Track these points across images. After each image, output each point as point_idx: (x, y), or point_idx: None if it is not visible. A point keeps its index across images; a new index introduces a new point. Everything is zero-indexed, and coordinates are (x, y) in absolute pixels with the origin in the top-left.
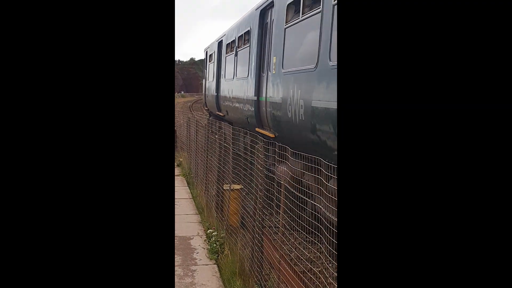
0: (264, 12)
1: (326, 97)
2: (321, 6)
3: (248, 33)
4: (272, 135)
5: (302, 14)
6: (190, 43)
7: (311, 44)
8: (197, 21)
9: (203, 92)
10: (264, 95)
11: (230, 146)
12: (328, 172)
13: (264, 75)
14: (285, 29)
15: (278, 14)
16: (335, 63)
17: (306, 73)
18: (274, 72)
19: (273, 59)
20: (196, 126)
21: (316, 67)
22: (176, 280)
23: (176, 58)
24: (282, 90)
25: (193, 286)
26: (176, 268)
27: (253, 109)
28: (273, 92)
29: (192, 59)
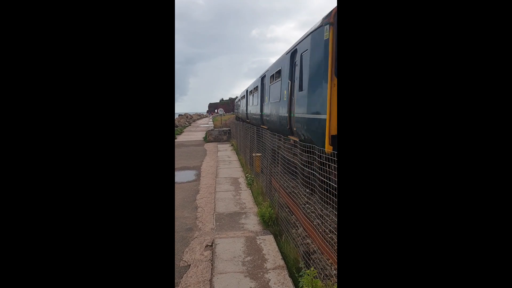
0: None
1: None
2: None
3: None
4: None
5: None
6: (231, 92)
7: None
8: (236, 80)
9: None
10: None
11: (254, 136)
12: (301, 148)
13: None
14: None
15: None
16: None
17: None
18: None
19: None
20: (240, 128)
21: None
22: (231, 197)
23: (223, 97)
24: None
25: (240, 199)
26: (231, 191)
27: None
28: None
29: (230, 98)
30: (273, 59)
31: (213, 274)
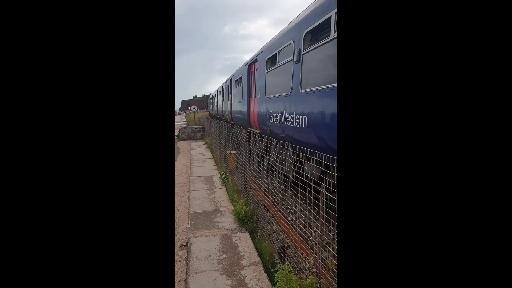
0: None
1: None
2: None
3: (241, 78)
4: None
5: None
6: (205, 89)
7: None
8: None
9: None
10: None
11: (229, 133)
12: (275, 144)
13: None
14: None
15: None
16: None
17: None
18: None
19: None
20: (215, 125)
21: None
22: (205, 195)
23: (196, 94)
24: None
25: (215, 198)
26: (206, 190)
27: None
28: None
29: (204, 95)
30: (247, 57)
31: (188, 273)
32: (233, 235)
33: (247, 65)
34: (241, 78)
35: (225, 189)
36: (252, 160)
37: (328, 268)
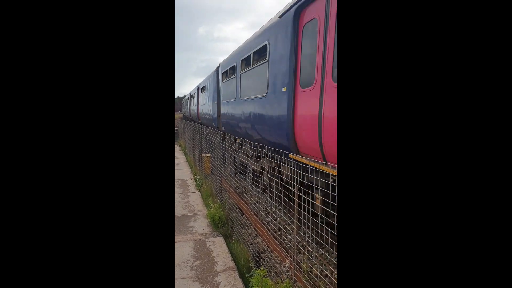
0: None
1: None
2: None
3: (204, 87)
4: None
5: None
6: (180, 90)
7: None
8: (185, 78)
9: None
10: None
11: (204, 135)
12: (250, 147)
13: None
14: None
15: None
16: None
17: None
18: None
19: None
20: (189, 127)
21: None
22: (179, 199)
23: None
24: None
25: (189, 202)
26: (179, 194)
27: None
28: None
29: (178, 97)
30: (221, 58)
31: None
32: (207, 240)
33: (197, 87)
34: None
35: (199, 192)
36: (228, 163)
37: (304, 271)
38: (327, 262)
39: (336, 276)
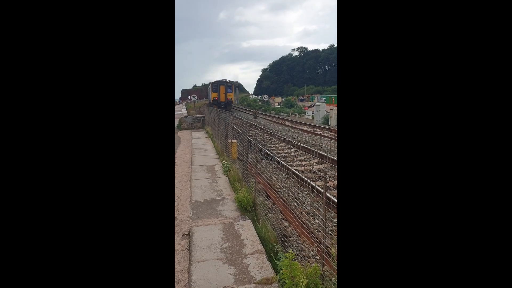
0: None
1: None
2: None
3: None
4: None
5: None
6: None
7: None
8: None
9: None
10: None
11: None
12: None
13: None
14: None
15: None
16: None
17: None
18: None
19: None
20: (215, 114)
21: None
22: (207, 184)
23: (196, 83)
24: None
25: (217, 186)
26: (208, 179)
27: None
28: None
29: (203, 84)
30: (245, 44)
31: (191, 262)
32: (235, 223)
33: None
34: None
35: (227, 177)
36: (253, 149)
37: (332, 255)
38: None
39: None
